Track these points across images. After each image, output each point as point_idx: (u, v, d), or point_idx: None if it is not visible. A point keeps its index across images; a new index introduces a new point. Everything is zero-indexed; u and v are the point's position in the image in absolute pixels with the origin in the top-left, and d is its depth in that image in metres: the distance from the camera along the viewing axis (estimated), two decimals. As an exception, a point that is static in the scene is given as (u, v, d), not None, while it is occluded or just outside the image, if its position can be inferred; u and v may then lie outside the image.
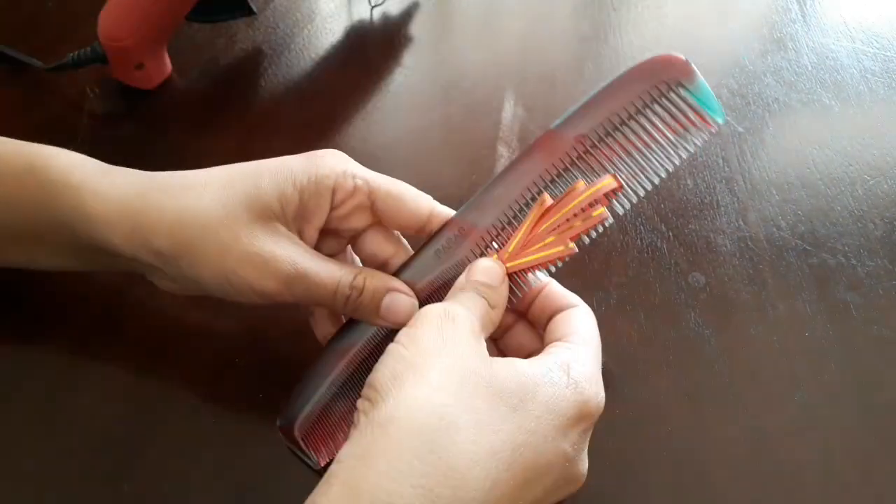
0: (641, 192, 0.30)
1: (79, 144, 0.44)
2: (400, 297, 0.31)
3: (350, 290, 0.30)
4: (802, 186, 0.44)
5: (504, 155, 0.45)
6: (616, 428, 0.33)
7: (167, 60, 0.49)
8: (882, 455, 0.33)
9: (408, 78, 0.50)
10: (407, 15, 0.55)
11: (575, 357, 0.28)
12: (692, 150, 0.30)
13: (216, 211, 0.30)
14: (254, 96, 0.49)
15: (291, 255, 0.30)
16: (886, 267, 0.40)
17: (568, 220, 0.30)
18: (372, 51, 0.52)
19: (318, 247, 0.33)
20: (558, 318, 0.31)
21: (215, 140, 0.46)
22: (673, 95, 0.30)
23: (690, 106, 0.30)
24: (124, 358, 0.36)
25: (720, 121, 0.30)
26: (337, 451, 0.26)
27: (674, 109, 0.29)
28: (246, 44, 0.52)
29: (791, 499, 0.32)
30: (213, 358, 0.36)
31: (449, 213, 0.32)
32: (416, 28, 0.54)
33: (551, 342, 0.30)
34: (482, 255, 0.31)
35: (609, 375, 0.35)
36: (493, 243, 0.31)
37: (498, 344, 0.33)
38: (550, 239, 0.30)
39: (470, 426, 0.24)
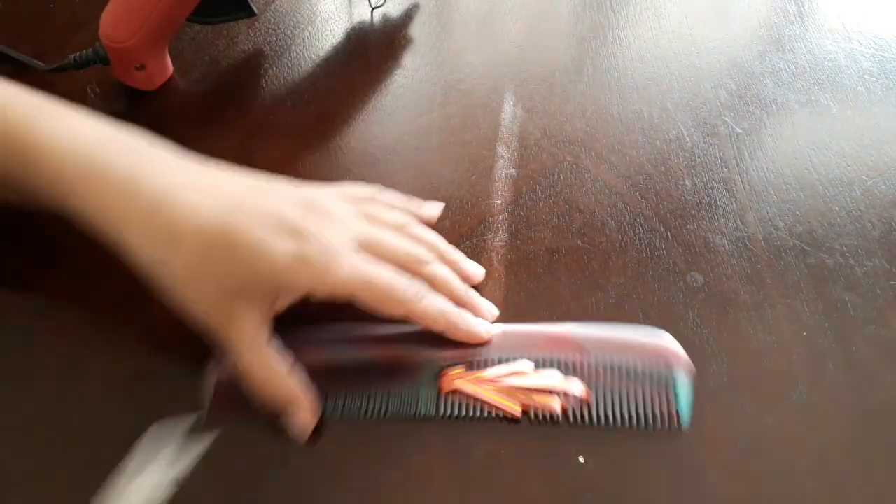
0: (585, 419, 0.33)
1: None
2: (299, 417, 0.33)
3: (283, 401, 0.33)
4: (800, 187, 0.44)
5: (504, 155, 0.46)
6: (616, 428, 0.33)
7: (168, 62, 0.49)
8: (880, 455, 0.33)
9: (408, 79, 0.50)
10: (407, 16, 0.55)
11: None
12: (642, 427, 0.32)
13: (204, 252, 0.31)
14: (254, 97, 0.49)
15: (253, 347, 0.32)
16: (884, 267, 0.40)
17: (531, 390, 0.33)
18: (372, 52, 0.53)
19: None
20: None
21: (216, 141, 0.46)
22: (663, 381, 0.33)
23: (669, 397, 0.33)
24: (126, 357, 0.36)
25: (683, 424, 0.33)
26: (230, 416, 0.33)
27: (658, 389, 0.33)
28: (247, 45, 0.52)
29: (790, 499, 0.32)
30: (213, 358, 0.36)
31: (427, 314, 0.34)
32: (416, 29, 0.54)
33: None
34: (458, 364, 0.34)
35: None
36: (471, 364, 0.34)
37: None
38: (507, 392, 0.33)
39: None
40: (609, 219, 0.42)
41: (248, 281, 0.31)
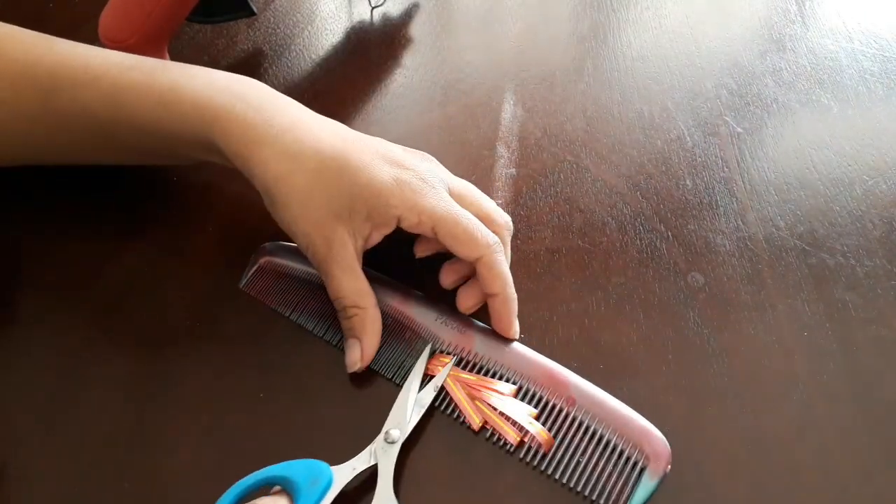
0: (535, 462, 0.32)
1: (80, 145, 0.44)
2: (356, 346, 0.35)
3: (349, 310, 0.35)
4: (801, 187, 0.44)
5: (504, 155, 0.45)
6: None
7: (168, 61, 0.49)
8: (881, 454, 0.33)
9: (408, 78, 0.50)
10: (407, 16, 0.55)
11: None
12: (584, 497, 0.31)
13: (320, 176, 0.34)
14: (254, 97, 0.49)
15: (345, 259, 0.35)
16: (885, 267, 0.40)
17: (500, 412, 0.33)
18: (372, 51, 0.52)
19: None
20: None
21: (216, 140, 0.46)
22: (632, 469, 0.31)
23: (629, 487, 0.31)
24: (125, 357, 0.36)
25: None
26: (259, 298, 0.38)
27: (620, 470, 0.31)
28: (246, 44, 0.52)
29: (790, 498, 0.32)
30: (214, 358, 0.36)
31: (492, 266, 0.35)
32: (416, 29, 0.54)
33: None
34: (452, 352, 0.35)
35: (609, 375, 0.35)
36: (463, 361, 0.35)
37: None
38: (477, 401, 0.34)
39: None
40: (609, 218, 0.42)
41: (353, 201, 0.34)
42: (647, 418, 0.32)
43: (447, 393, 0.34)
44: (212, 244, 0.40)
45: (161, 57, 0.48)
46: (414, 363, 0.35)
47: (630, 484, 0.31)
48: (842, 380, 0.35)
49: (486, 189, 0.43)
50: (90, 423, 0.34)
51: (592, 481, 0.31)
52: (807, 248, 0.41)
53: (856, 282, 0.39)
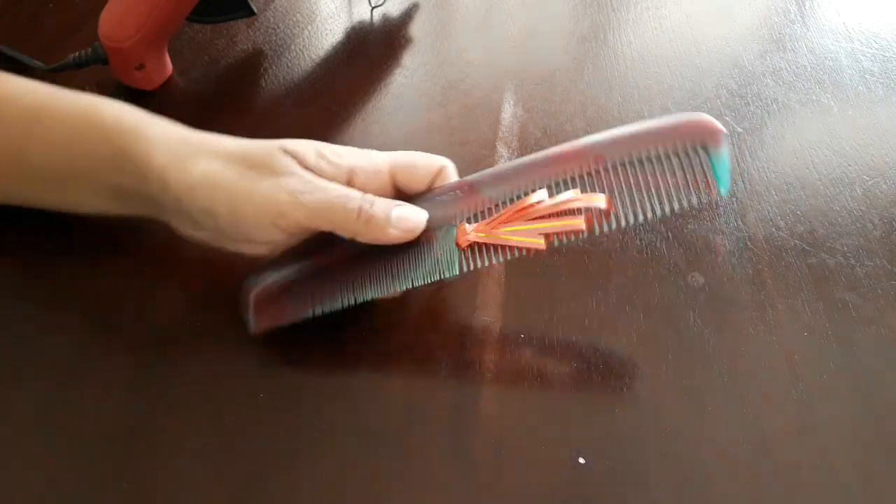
0: (622, 224, 0.31)
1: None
2: (408, 208, 0.34)
3: (361, 200, 0.33)
4: (801, 187, 0.44)
5: (504, 155, 0.45)
6: (616, 428, 0.33)
7: (168, 61, 0.49)
8: (881, 455, 0.33)
9: (408, 78, 0.50)
10: (407, 16, 0.55)
11: None
12: (683, 207, 0.31)
13: (258, 146, 0.33)
14: (254, 97, 0.49)
15: (303, 174, 0.33)
16: (885, 267, 0.40)
17: (549, 216, 0.31)
18: (372, 51, 0.52)
19: None
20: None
21: (216, 140, 0.46)
22: (695, 154, 0.31)
23: (705, 169, 0.31)
24: (126, 357, 0.36)
25: (724, 193, 0.31)
26: (276, 325, 0.34)
27: (689, 166, 0.31)
28: (246, 44, 0.52)
29: (790, 498, 0.32)
30: (215, 358, 0.36)
31: (452, 171, 0.35)
32: (416, 29, 0.54)
33: None
34: (468, 218, 0.33)
35: (609, 375, 0.35)
36: (484, 213, 0.33)
37: None
38: (526, 227, 0.31)
39: None
40: (609, 219, 0.42)
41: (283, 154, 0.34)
42: (647, 418, 0.32)
43: (496, 246, 0.32)
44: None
45: (161, 57, 0.48)
46: (445, 256, 0.33)
47: (705, 167, 0.30)
48: (842, 380, 0.35)
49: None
50: (89, 423, 0.34)
51: (674, 193, 0.30)
52: (807, 248, 0.41)
53: (856, 282, 0.39)
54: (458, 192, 0.34)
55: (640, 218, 0.31)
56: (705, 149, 0.31)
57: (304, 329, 0.37)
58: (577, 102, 0.49)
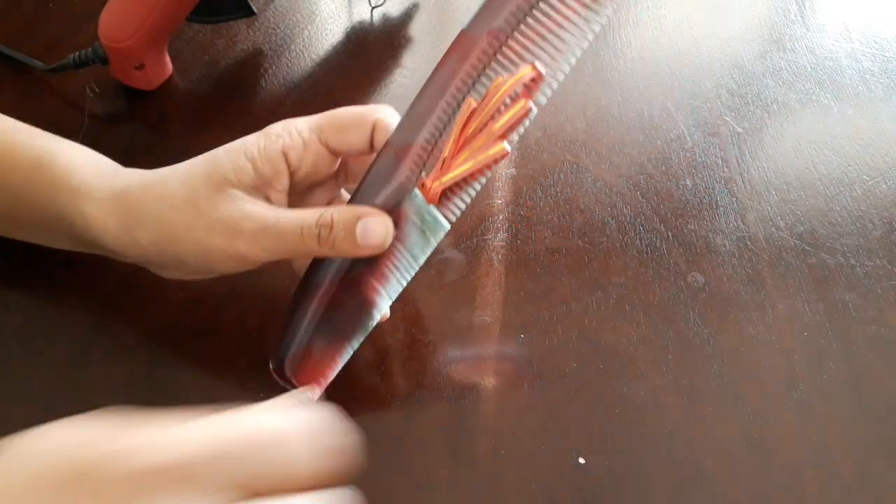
0: (561, 77, 0.28)
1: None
2: (371, 221, 0.30)
3: (318, 228, 0.30)
4: (801, 187, 0.44)
5: (504, 155, 0.45)
6: (616, 428, 0.33)
7: (168, 61, 0.49)
8: (881, 454, 0.33)
9: (408, 79, 0.50)
10: (407, 16, 0.55)
11: None
12: (604, 21, 0.28)
13: (181, 192, 0.31)
14: (254, 97, 0.49)
15: (250, 211, 0.31)
16: (885, 267, 0.40)
17: (493, 117, 0.29)
18: (372, 52, 0.52)
19: (304, 203, 0.34)
20: None
21: (216, 140, 0.45)
22: None
23: None
24: (126, 357, 0.36)
25: None
26: (326, 383, 0.31)
27: None
28: (246, 44, 0.52)
29: (790, 498, 0.32)
30: (215, 358, 0.36)
31: (391, 119, 0.32)
32: (416, 29, 0.54)
33: None
34: (421, 172, 0.30)
35: (609, 375, 0.35)
36: (429, 158, 0.30)
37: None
38: (479, 142, 0.29)
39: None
40: (609, 219, 0.42)
41: (234, 169, 0.32)
42: (647, 418, 0.32)
43: (465, 180, 0.30)
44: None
45: (161, 57, 0.48)
46: (426, 219, 0.30)
47: None
48: (842, 380, 0.35)
49: (486, 189, 0.43)
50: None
51: (583, 15, 0.28)
52: (807, 248, 0.41)
53: (856, 282, 0.39)
54: (391, 156, 0.31)
55: (573, 59, 0.28)
56: None
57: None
58: (577, 102, 0.49)
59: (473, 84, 0.29)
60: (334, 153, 0.33)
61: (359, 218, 0.30)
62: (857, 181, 0.44)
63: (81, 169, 0.34)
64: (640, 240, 0.41)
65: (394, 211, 0.31)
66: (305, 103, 0.48)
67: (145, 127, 0.47)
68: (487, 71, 0.29)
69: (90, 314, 0.37)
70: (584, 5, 0.28)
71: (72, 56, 0.47)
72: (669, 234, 0.41)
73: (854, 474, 0.32)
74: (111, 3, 0.44)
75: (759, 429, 0.34)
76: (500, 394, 0.35)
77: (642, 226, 0.42)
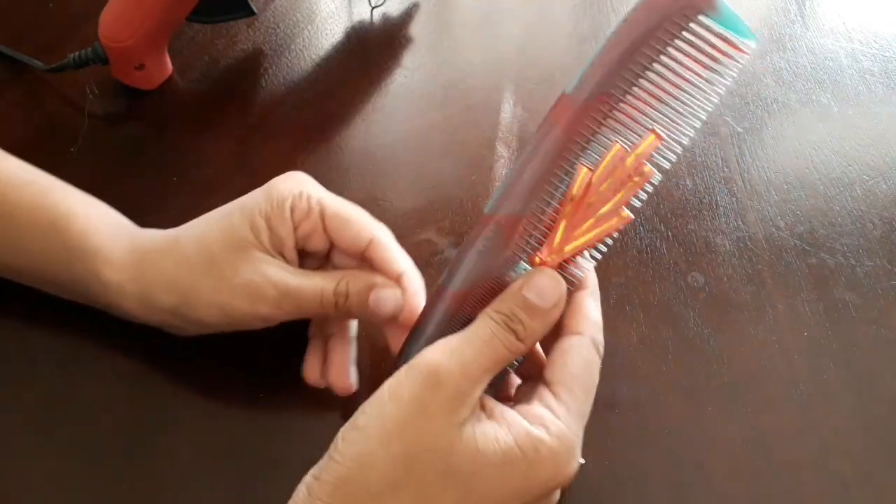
0: (685, 140, 0.27)
1: (79, 145, 0.44)
2: (383, 293, 0.32)
3: (335, 296, 0.32)
4: (801, 187, 0.44)
5: (504, 155, 0.45)
6: (616, 428, 0.33)
7: (168, 61, 0.49)
8: (880, 454, 0.33)
9: (408, 78, 0.50)
10: (407, 16, 0.55)
11: (550, 429, 0.27)
12: (729, 83, 0.27)
13: (201, 257, 0.32)
14: (254, 97, 0.49)
15: (273, 277, 0.31)
16: (885, 267, 0.40)
17: (614, 189, 0.27)
18: (372, 51, 0.52)
19: (302, 264, 0.34)
20: (556, 351, 0.30)
21: (216, 140, 0.46)
22: (695, 27, 0.26)
23: (716, 35, 0.26)
24: (126, 357, 0.36)
25: (752, 44, 0.26)
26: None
27: (699, 42, 0.26)
28: (246, 44, 0.52)
29: (790, 498, 0.32)
30: (216, 358, 0.36)
31: (389, 244, 0.33)
32: (416, 29, 0.54)
33: (543, 381, 0.29)
34: (528, 245, 0.28)
35: (609, 375, 0.35)
36: (536, 232, 0.28)
37: None
38: (602, 211, 0.28)
39: (414, 497, 0.25)
40: (609, 218, 0.42)
41: (242, 229, 0.32)
42: (647, 418, 0.32)
43: (584, 248, 0.28)
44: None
45: (161, 57, 0.48)
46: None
47: (714, 31, 0.26)
48: (841, 379, 0.35)
49: (487, 189, 0.43)
50: (90, 423, 0.34)
51: (705, 78, 0.27)
52: (807, 248, 0.41)
53: (856, 282, 0.39)
54: (492, 229, 0.29)
55: (698, 123, 0.27)
56: (701, 13, 0.26)
57: (303, 331, 0.37)
58: (577, 102, 0.49)
59: (582, 151, 0.28)
60: (328, 237, 0.33)
61: (370, 288, 0.32)
62: (857, 181, 0.44)
63: (97, 232, 0.34)
64: (640, 240, 0.41)
65: (499, 287, 0.29)
66: (305, 103, 0.48)
67: (146, 126, 0.47)
68: (597, 136, 0.27)
69: (90, 314, 0.37)
70: (705, 66, 0.27)
71: (72, 56, 0.47)
72: (669, 233, 0.41)
73: (854, 474, 0.32)
74: (111, 3, 0.44)
75: (759, 428, 0.34)
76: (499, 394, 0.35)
77: (642, 226, 0.42)
